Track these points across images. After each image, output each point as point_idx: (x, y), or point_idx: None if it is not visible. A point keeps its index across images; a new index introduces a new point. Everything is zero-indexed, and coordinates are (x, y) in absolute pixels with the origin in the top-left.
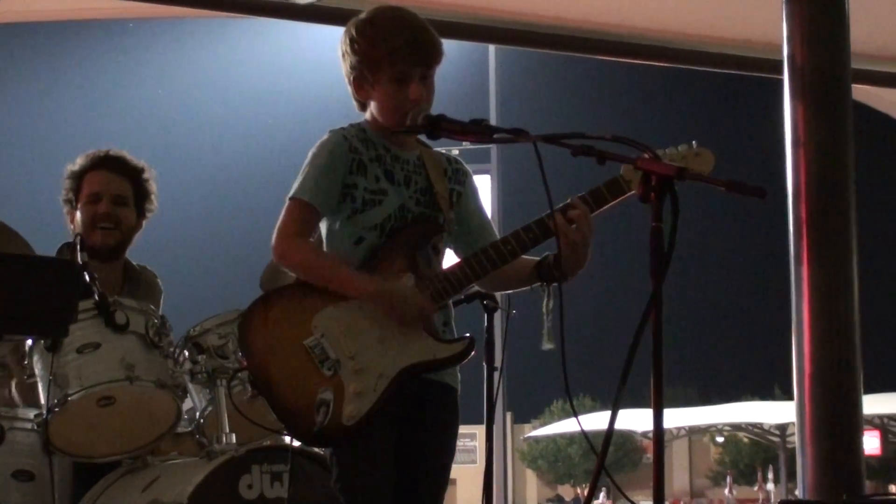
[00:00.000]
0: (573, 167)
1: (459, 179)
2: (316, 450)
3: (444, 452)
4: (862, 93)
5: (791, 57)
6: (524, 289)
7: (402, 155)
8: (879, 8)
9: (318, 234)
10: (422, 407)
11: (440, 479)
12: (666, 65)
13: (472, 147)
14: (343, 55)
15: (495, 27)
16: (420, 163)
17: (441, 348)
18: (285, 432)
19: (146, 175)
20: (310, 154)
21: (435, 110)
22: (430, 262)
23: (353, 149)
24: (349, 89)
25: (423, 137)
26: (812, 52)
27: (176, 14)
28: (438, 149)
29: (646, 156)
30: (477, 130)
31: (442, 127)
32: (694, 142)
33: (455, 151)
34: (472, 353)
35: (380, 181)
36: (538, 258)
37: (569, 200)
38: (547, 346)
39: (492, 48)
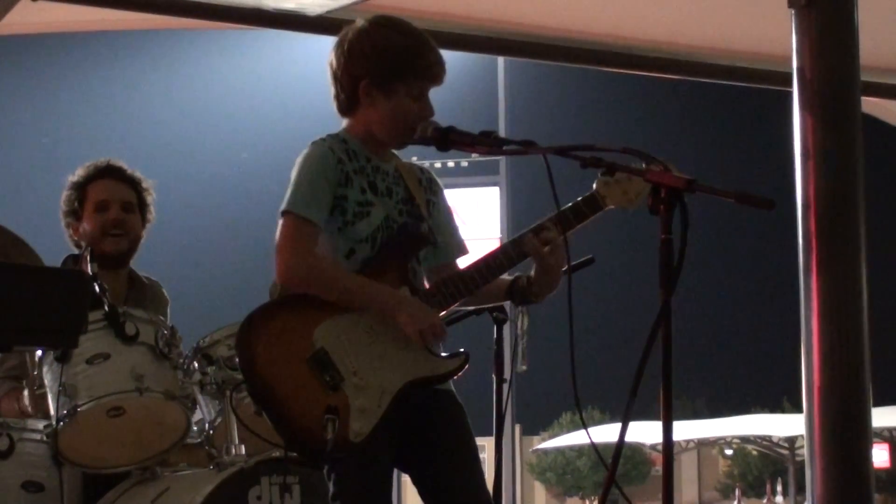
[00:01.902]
0: (583, 179)
1: (433, 189)
2: None
3: (469, 438)
4: (871, 105)
5: (800, 69)
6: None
7: (383, 166)
8: (890, 20)
9: None
10: (429, 415)
11: (476, 464)
12: (675, 77)
13: (481, 159)
14: (353, 54)
15: (504, 39)
16: (398, 173)
17: (439, 364)
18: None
19: (145, 185)
20: (297, 167)
21: (444, 121)
22: (416, 274)
23: (340, 160)
24: (335, 89)
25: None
26: (821, 65)
27: (183, 26)
28: (410, 158)
29: (655, 168)
30: (486, 142)
31: (451, 139)
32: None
33: (464, 163)
34: (467, 366)
35: (366, 193)
36: (511, 278)
37: (540, 222)
38: (521, 368)
39: (501, 60)
